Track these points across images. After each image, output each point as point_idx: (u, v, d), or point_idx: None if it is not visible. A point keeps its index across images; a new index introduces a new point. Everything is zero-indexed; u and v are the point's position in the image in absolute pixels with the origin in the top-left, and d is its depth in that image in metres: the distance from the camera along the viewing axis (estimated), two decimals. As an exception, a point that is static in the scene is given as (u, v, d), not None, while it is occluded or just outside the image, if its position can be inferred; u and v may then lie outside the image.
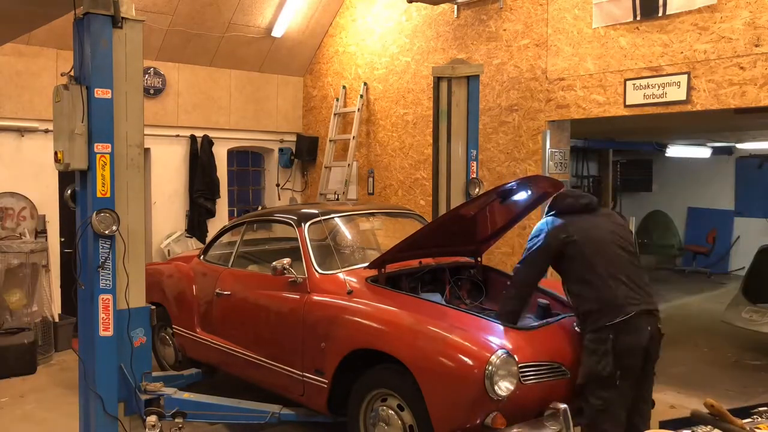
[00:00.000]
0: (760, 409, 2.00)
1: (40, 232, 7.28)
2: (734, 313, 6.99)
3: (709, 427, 2.01)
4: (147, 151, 7.78)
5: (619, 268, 3.71)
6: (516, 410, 3.50)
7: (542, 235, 3.83)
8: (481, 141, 6.75)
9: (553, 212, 3.93)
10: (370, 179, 8.64)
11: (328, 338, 4.16)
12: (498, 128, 7.03)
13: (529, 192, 4.30)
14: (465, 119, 6.27)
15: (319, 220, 5.00)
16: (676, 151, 11.78)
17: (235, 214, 9.27)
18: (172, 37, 8.05)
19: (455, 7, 7.41)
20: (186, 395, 4.42)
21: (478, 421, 3.45)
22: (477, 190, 6.23)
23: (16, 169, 7.20)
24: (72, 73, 3.93)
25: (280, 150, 9.48)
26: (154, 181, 8.27)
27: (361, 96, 8.61)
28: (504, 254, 6.87)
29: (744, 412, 2.12)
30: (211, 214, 8.66)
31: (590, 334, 3.60)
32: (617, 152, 12.48)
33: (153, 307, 4.29)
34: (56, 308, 7.28)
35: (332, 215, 5.21)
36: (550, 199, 4.03)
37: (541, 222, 3.96)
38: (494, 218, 4.68)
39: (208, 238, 7.14)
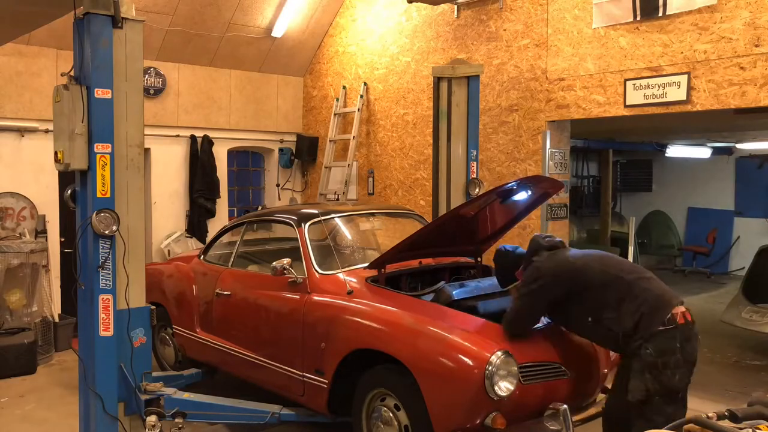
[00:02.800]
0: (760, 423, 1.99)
1: (40, 232, 7.28)
2: (734, 313, 6.99)
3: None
4: (147, 151, 7.78)
5: (636, 269, 3.58)
6: (516, 410, 3.51)
7: (541, 273, 3.57)
8: (481, 141, 6.75)
9: (534, 255, 3.71)
10: (370, 179, 8.64)
11: (328, 338, 4.16)
12: (498, 128, 7.03)
13: (529, 192, 4.30)
14: (465, 119, 6.27)
15: (319, 220, 5.00)
16: (676, 151, 11.78)
17: (235, 215, 9.27)
18: (172, 37, 8.05)
19: (455, 7, 7.40)
20: (186, 395, 4.42)
21: (478, 422, 3.45)
22: (477, 190, 6.22)
23: (16, 169, 7.20)
24: (72, 73, 3.93)
25: (280, 150, 9.48)
26: (154, 181, 8.27)
27: (361, 96, 8.61)
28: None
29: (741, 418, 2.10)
30: (211, 214, 8.66)
31: (651, 345, 3.27)
32: (617, 152, 12.48)
33: (153, 307, 4.29)
34: (56, 308, 7.28)
35: (332, 215, 5.21)
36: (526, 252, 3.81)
37: (528, 271, 3.68)
38: (494, 218, 4.68)
39: (208, 238, 7.15)
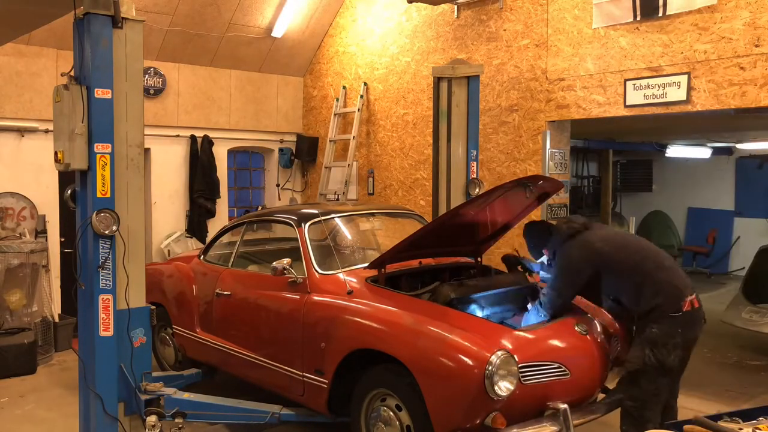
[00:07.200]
0: (761, 419, 1.99)
1: (40, 232, 7.28)
2: (734, 313, 6.99)
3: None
4: (147, 151, 7.78)
5: (658, 257, 3.87)
6: (516, 410, 3.51)
7: (571, 262, 3.91)
8: (481, 141, 6.75)
9: (554, 242, 4.05)
10: (370, 179, 8.64)
11: (328, 338, 4.16)
12: (498, 128, 7.03)
13: (529, 192, 4.30)
14: (465, 119, 6.26)
15: (319, 220, 5.00)
16: (676, 151, 11.78)
17: (236, 215, 9.27)
18: (172, 37, 8.05)
19: (455, 7, 7.41)
20: (186, 395, 4.42)
21: (478, 421, 3.45)
22: (477, 190, 6.22)
23: (16, 169, 7.20)
24: (72, 73, 3.93)
25: (280, 150, 9.48)
26: (154, 181, 8.27)
27: (361, 96, 8.61)
28: (504, 254, 6.85)
29: (747, 415, 2.10)
30: (211, 214, 8.66)
31: (657, 326, 3.68)
32: (617, 152, 12.48)
33: (153, 307, 4.29)
34: (56, 308, 7.28)
35: (332, 215, 5.21)
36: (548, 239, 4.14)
37: (558, 260, 4.01)
38: (494, 218, 4.68)
39: (208, 238, 7.14)
